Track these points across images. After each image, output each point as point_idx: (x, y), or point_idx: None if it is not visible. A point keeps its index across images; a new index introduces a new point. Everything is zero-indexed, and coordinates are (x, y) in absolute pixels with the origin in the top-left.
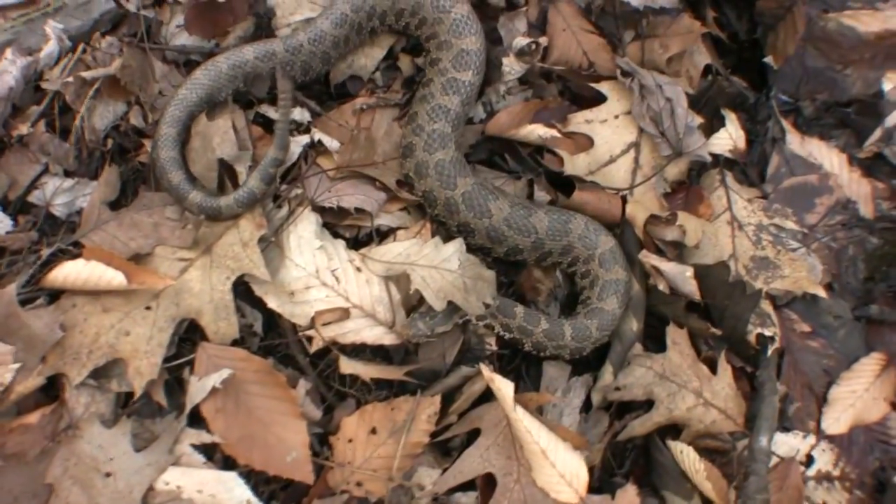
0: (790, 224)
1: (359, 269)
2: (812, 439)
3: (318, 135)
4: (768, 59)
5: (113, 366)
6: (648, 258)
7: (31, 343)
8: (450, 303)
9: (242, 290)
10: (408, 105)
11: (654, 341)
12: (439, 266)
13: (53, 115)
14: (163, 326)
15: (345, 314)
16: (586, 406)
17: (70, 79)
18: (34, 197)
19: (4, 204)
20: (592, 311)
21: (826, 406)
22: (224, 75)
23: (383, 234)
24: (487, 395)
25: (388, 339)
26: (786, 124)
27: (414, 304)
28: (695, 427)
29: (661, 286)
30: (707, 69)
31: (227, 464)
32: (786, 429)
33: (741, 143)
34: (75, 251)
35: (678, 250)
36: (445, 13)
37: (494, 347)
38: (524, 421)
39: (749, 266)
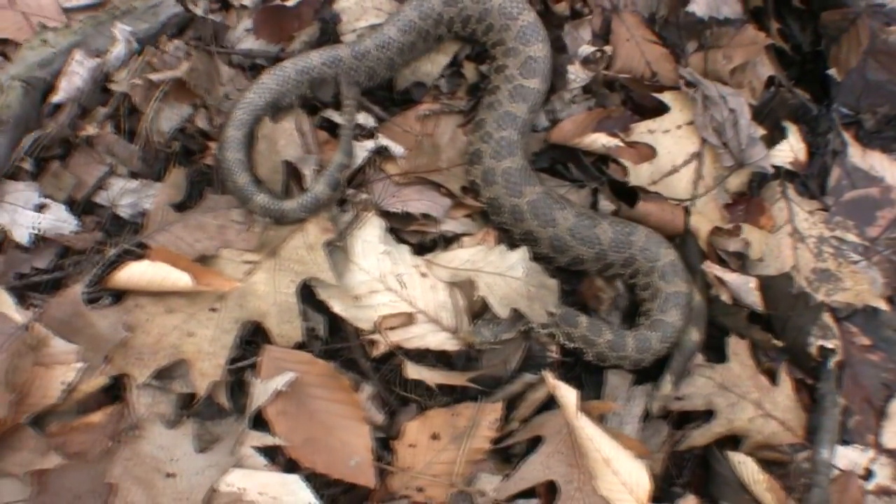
0: (851, 237)
1: (424, 275)
2: (871, 453)
3: (383, 140)
4: (831, 72)
5: (176, 367)
6: (712, 269)
7: (96, 342)
8: (514, 310)
9: (306, 293)
10: (472, 111)
11: (714, 352)
12: (504, 273)
13: (120, 117)
14: (227, 328)
15: (409, 319)
16: (645, 415)
17: (137, 81)
18: (100, 197)
19: (71, 204)
20: (654, 323)
21: (885, 420)
22: (291, 80)
23: (448, 240)
24: (549, 403)
25: (451, 345)
26: (847, 137)
27: (477, 311)
28: (754, 438)
29: (724, 297)
30: (770, 80)
31: (290, 466)
32: (845, 442)
33: (802, 156)
34: (140, 252)
35: (741, 261)
36: (513, 20)
37: (557, 355)
38: (587, 429)
39: (810, 278)
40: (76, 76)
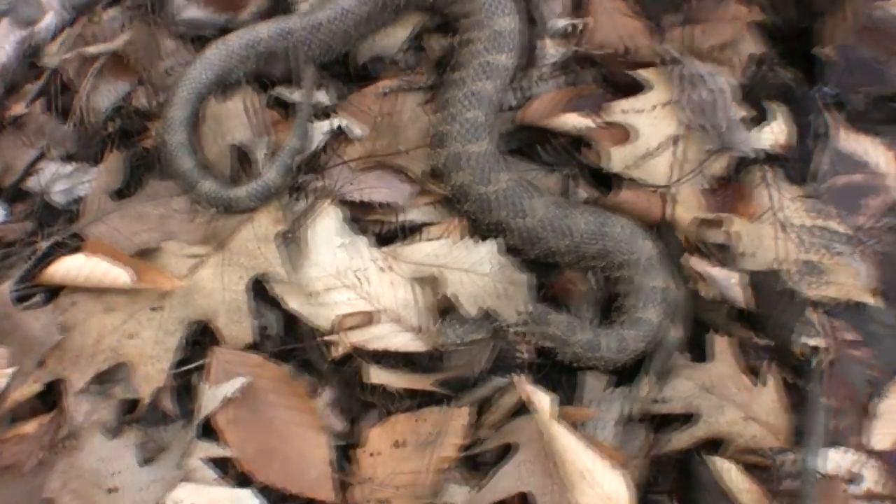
0: (836, 226)
1: (384, 270)
2: (856, 455)
3: (340, 120)
4: (816, 51)
5: (116, 370)
6: (693, 263)
7: (28, 345)
8: (482, 309)
9: (258, 288)
10: (434, 89)
11: (693, 347)
12: (471, 269)
13: (51, 95)
14: (171, 329)
15: (369, 318)
16: (624, 418)
17: (70, 55)
18: (30, 183)
19: None
20: (632, 320)
21: (871, 420)
22: (236, 54)
23: (410, 230)
24: (522, 407)
25: (415, 346)
26: (831, 119)
27: (443, 309)
28: (736, 442)
29: (704, 292)
30: (752, 58)
31: (242, 480)
32: (829, 444)
33: (784, 139)
34: (74, 244)
35: (723, 254)
36: None
37: (528, 356)
38: (563, 438)
39: (793, 271)
40: (1, 50)
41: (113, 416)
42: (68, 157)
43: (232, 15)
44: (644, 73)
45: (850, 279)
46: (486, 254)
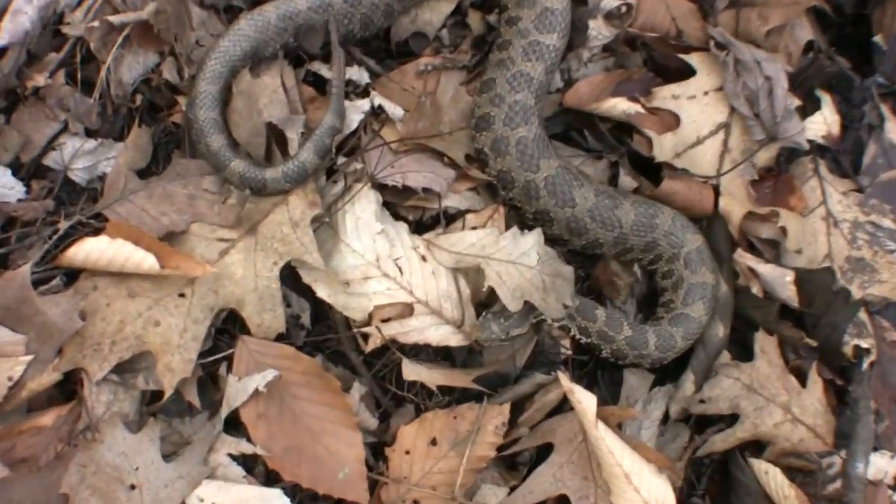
0: (888, 222)
1: (424, 259)
2: None
3: (378, 99)
4: (877, 39)
5: (139, 359)
6: (745, 259)
7: (47, 332)
8: (526, 302)
9: (288, 275)
10: (477, 68)
11: (737, 346)
12: (517, 261)
13: (75, 65)
14: (198, 317)
15: (407, 310)
16: (665, 418)
17: (95, 23)
18: (50, 159)
19: (16, 167)
20: (677, 317)
21: None
22: (272, 27)
23: (450, 218)
24: (561, 405)
25: (454, 340)
26: (885, 110)
27: (483, 301)
28: (780, 445)
29: (755, 289)
30: (808, 45)
31: (270, 478)
32: (874, 448)
33: (836, 129)
34: (97, 224)
35: (775, 250)
36: None
37: (570, 351)
38: (606, 440)
39: (844, 268)
40: (23, 16)
41: (134, 407)
42: (91, 132)
43: None
44: (694, 58)
45: None
46: (532, 245)
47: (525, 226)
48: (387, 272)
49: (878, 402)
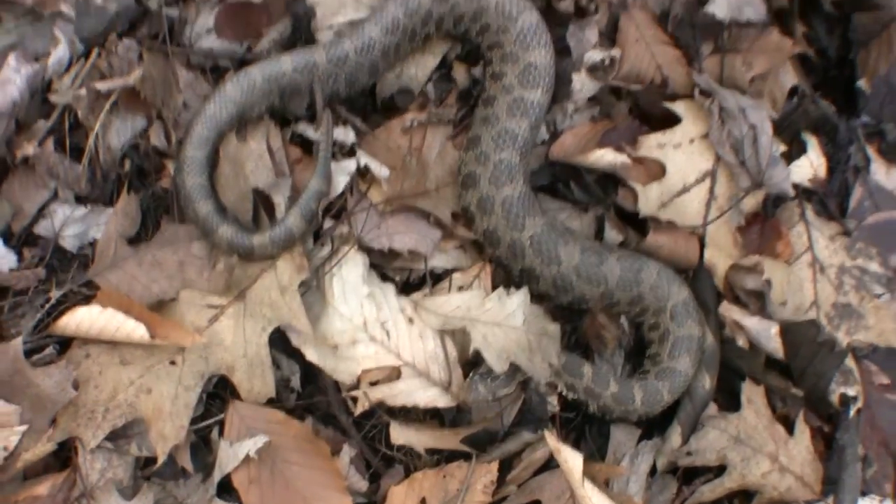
0: (874, 266)
1: (411, 321)
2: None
3: (364, 159)
4: (861, 83)
5: (132, 425)
6: (730, 312)
7: (40, 403)
8: (513, 363)
9: (278, 337)
10: (463, 121)
11: (725, 394)
12: (502, 323)
13: (63, 132)
14: (189, 384)
15: (395, 373)
16: (652, 470)
17: (82, 91)
18: (41, 227)
19: (7, 236)
20: (664, 371)
21: None
22: (258, 89)
23: (437, 277)
24: (549, 462)
25: (442, 402)
26: (871, 151)
27: (470, 360)
28: (768, 494)
29: (741, 341)
30: (793, 90)
31: None
32: (862, 493)
33: (822, 172)
34: (88, 292)
35: (760, 300)
36: (511, 21)
37: (557, 408)
38: (593, 498)
39: (831, 314)
40: (11, 85)
41: (128, 472)
42: (81, 199)
43: (251, 44)
44: (679, 105)
45: (889, 323)
46: (517, 305)
47: (512, 283)
48: (374, 336)
49: (867, 445)
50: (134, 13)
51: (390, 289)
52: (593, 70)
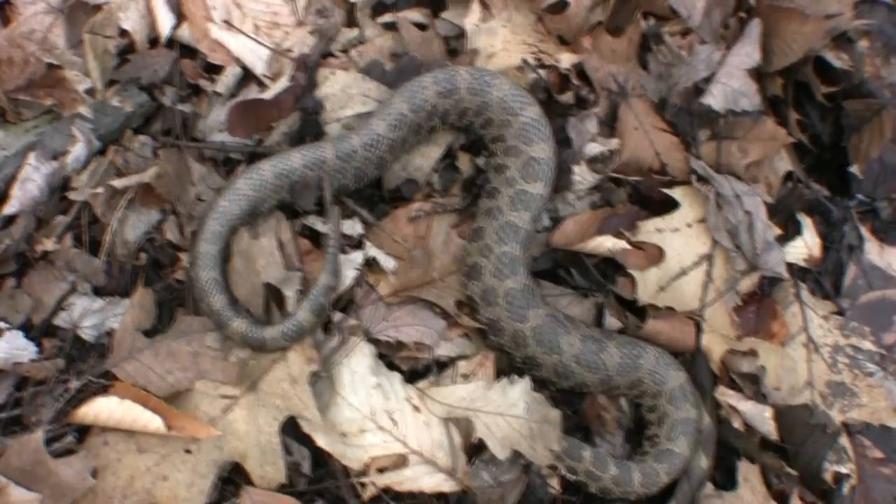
0: (868, 345)
1: (417, 409)
2: None
3: (372, 251)
4: (853, 169)
5: None
6: (726, 396)
7: (60, 491)
8: (515, 451)
9: (289, 424)
10: (468, 210)
11: (722, 472)
12: (505, 413)
13: (81, 228)
14: (204, 472)
15: (402, 460)
16: None
17: (99, 189)
18: (60, 319)
19: (28, 328)
20: (662, 453)
21: None
22: (269, 185)
23: (442, 365)
24: None
25: (447, 487)
26: (864, 231)
27: (475, 445)
28: None
29: (736, 424)
30: (787, 175)
31: None
32: None
33: (817, 252)
34: (106, 382)
35: (755, 384)
36: (514, 116)
37: (558, 490)
38: None
39: (825, 393)
40: (31, 183)
41: None
42: (99, 291)
43: (262, 136)
44: (677, 192)
45: (882, 401)
46: (519, 395)
47: (514, 369)
48: (382, 425)
49: None
50: (149, 110)
51: (397, 378)
52: (593, 162)
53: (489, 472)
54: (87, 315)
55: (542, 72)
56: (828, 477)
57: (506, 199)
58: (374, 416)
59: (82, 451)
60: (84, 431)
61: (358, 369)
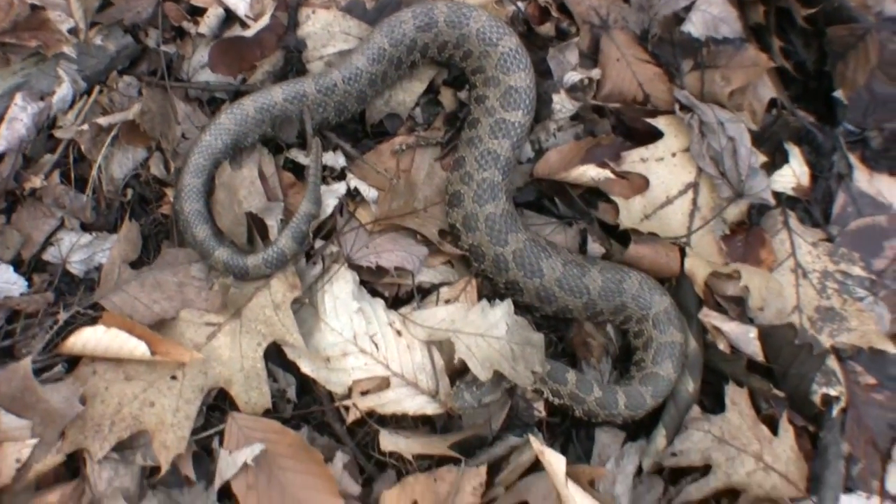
0: (857, 270)
1: (399, 333)
2: (876, 501)
3: (354, 182)
4: (838, 94)
5: (137, 437)
6: (709, 317)
7: (50, 417)
8: (496, 372)
9: (274, 351)
10: (450, 143)
11: (710, 397)
12: (486, 334)
13: (68, 165)
14: (190, 397)
15: (384, 383)
16: (639, 470)
17: (85, 126)
18: (49, 254)
19: (18, 263)
20: (647, 376)
21: (891, 464)
22: (251, 119)
23: (425, 291)
24: (536, 465)
25: (431, 409)
26: (853, 159)
27: (457, 370)
28: (754, 492)
29: (722, 346)
30: (772, 102)
31: None
32: (849, 490)
33: (805, 180)
34: (95, 314)
35: (740, 306)
36: (492, 46)
37: (543, 413)
38: (577, 498)
39: (814, 318)
40: (18, 123)
41: (135, 481)
42: (86, 227)
43: (245, 76)
44: (661, 121)
45: (871, 326)
46: (500, 316)
47: (497, 295)
48: (364, 348)
49: (854, 444)
50: (133, 52)
51: (379, 304)
52: (573, 90)
53: (471, 393)
54: (75, 250)
55: (521, 4)
56: (817, 399)
57: (486, 128)
58: (356, 340)
59: (70, 378)
60: (73, 363)
61: (340, 295)
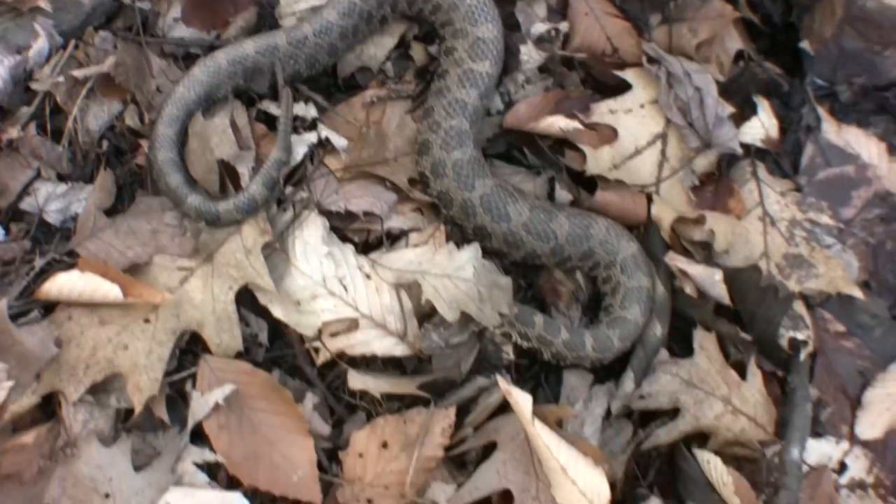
0: (825, 219)
1: (368, 277)
2: (845, 445)
3: (324, 132)
4: (804, 45)
5: (112, 380)
6: (675, 261)
7: (25, 360)
8: (464, 313)
9: (247, 297)
10: (421, 96)
11: (679, 343)
12: (452, 275)
13: (45, 117)
14: (162, 340)
15: (353, 325)
16: (608, 413)
17: (61, 78)
18: (26, 204)
19: None
20: (615, 320)
21: (860, 410)
22: (223, 71)
23: (395, 237)
24: (505, 407)
25: (399, 351)
26: (821, 111)
27: (426, 313)
28: (723, 435)
29: (689, 289)
30: (739, 54)
31: (232, 483)
32: (818, 434)
33: (774, 132)
34: (70, 261)
35: (707, 251)
36: None
37: (512, 356)
38: (543, 436)
39: (782, 265)
40: None
41: (109, 423)
42: (63, 177)
43: (219, 32)
44: (629, 73)
45: (839, 272)
46: (467, 259)
47: (466, 241)
48: (333, 290)
49: (823, 391)
50: (109, 7)
51: (349, 248)
52: (540, 41)
53: (439, 334)
54: (51, 200)
55: None
56: (784, 343)
57: (454, 78)
58: (326, 283)
59: (45, 322)
60: (49, 309)
61: (310, 240)
